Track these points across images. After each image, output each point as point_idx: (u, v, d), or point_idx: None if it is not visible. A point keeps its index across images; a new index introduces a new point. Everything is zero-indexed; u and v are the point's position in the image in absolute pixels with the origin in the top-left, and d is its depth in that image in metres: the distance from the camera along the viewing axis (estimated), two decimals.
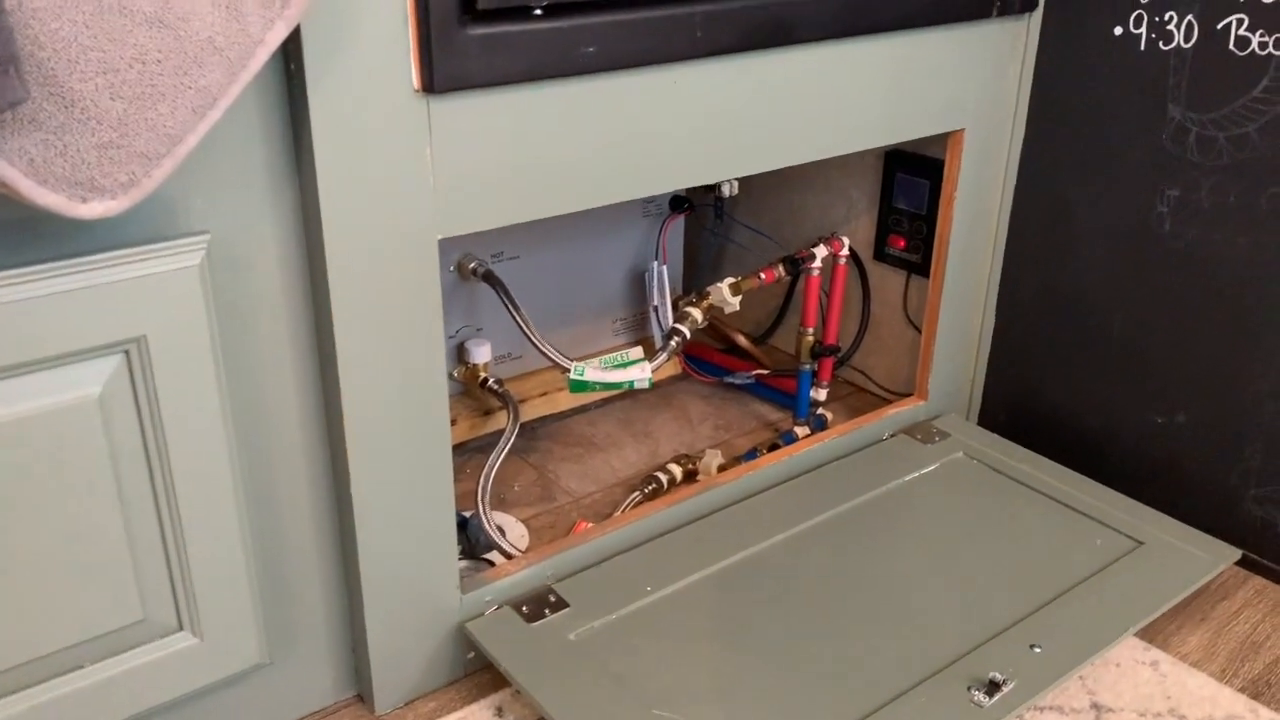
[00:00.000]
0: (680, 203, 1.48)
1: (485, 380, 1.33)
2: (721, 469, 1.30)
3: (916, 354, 1.42)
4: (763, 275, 1.28)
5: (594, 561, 1.09)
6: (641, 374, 1.19)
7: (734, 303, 1.24)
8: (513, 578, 1.03)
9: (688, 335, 1.23)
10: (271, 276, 0.82)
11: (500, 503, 1.30)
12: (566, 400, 1.43)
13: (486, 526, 1.12)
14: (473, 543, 1.18)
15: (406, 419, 0.90)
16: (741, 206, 1.60)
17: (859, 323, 1.49)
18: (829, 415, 1.45)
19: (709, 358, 1.56)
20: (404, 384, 0.89)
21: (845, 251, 1.37)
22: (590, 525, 1.23)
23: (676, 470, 1.32)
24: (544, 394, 1.40)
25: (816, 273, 1.34)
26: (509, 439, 1.23)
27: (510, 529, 1.23)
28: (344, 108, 0.79)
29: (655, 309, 1.46)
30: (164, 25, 0.62)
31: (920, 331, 1.42)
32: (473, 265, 1.30)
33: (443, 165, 0.84)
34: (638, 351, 1.22)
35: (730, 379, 1.50)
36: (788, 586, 1.06)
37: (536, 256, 1.38)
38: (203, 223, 0.77)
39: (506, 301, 1.25)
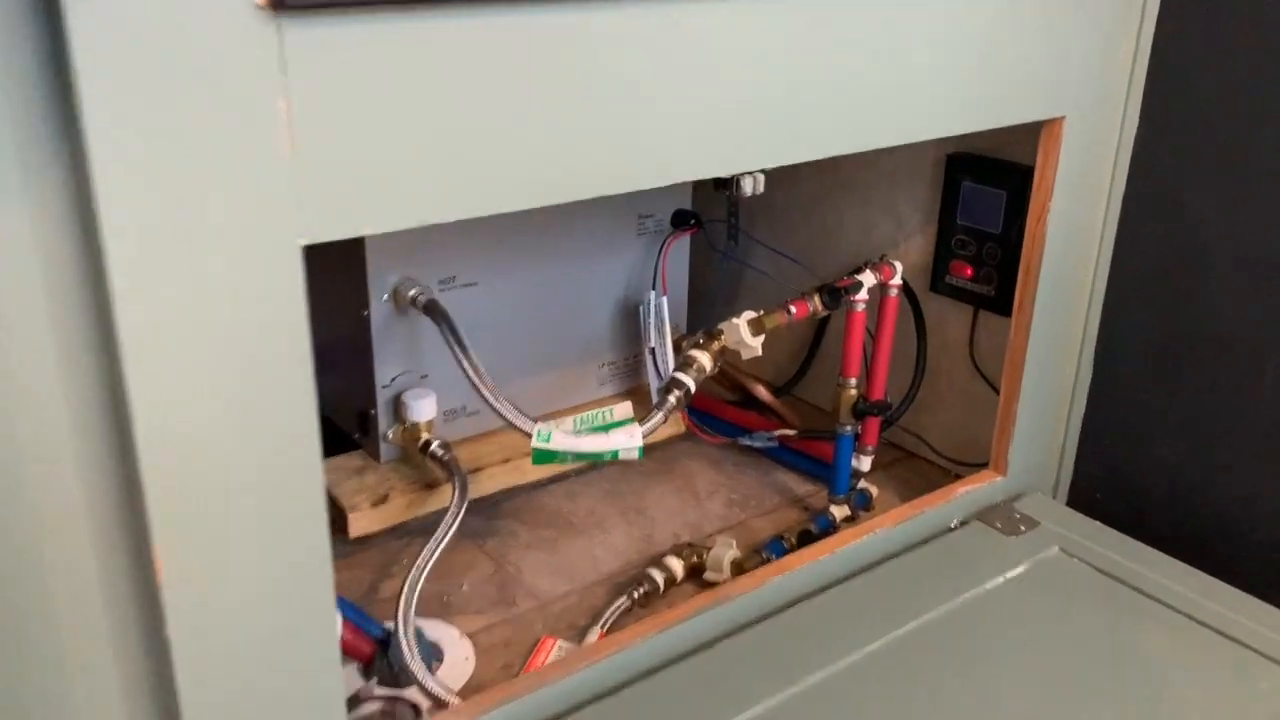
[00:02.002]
0: (685, 218, 1.17)
1: (428, 443, 1.02)
2: (737, 565, 0.99)
3: (984, 411, 1.10)
4: (792, 309, 0.96)
5: (563, 711, 0.77)
6: (629, 440, 0.88)
7: (754, 345, 0.92)
8: None
9: (692, 388, 0.92)
10: (27, 313, 0.51)
11: (443, 607, 0.98)
12: (537, 469, 1.11)
13: (406, 656, 0.81)
14: (395, 670, 0.87)
15: (257, 539, 0.59)
16: (762, 223, 1.29)
17: (912, 371, 1.17)
18: (874, 490, 1.13)
19: (719, 413, 1.24)
20: (252, 480, 0.57)
21: (897, 280, 1.06)
22: (560, 646, 0.92)
23: (677, 566, 1.00)
24: (507, 460, 1.09)
25: (861, 307, 1.02)
26: (451, 525, 0.91)
27: (451, 649, 0.92)
28: (135, 36, 0.48)
29: (652, 351, 1.15)
30: None
31: (990, 383, 1.11)
32: (413, 293, 0.99)
33: (307, 129, 0.54)
34: (625, 409, 0.91)
35: (746, 440, 1.18)
36: None
37: (500, 283, 1.07)
38: None
39: (451, 340, 0.94)
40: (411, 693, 0.83)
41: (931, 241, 1.15)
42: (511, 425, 0.90)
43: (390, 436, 1.05)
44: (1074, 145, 0.93)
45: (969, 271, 1.11)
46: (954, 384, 1.17)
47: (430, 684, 0.79)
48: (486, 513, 1.12)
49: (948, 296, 1.15)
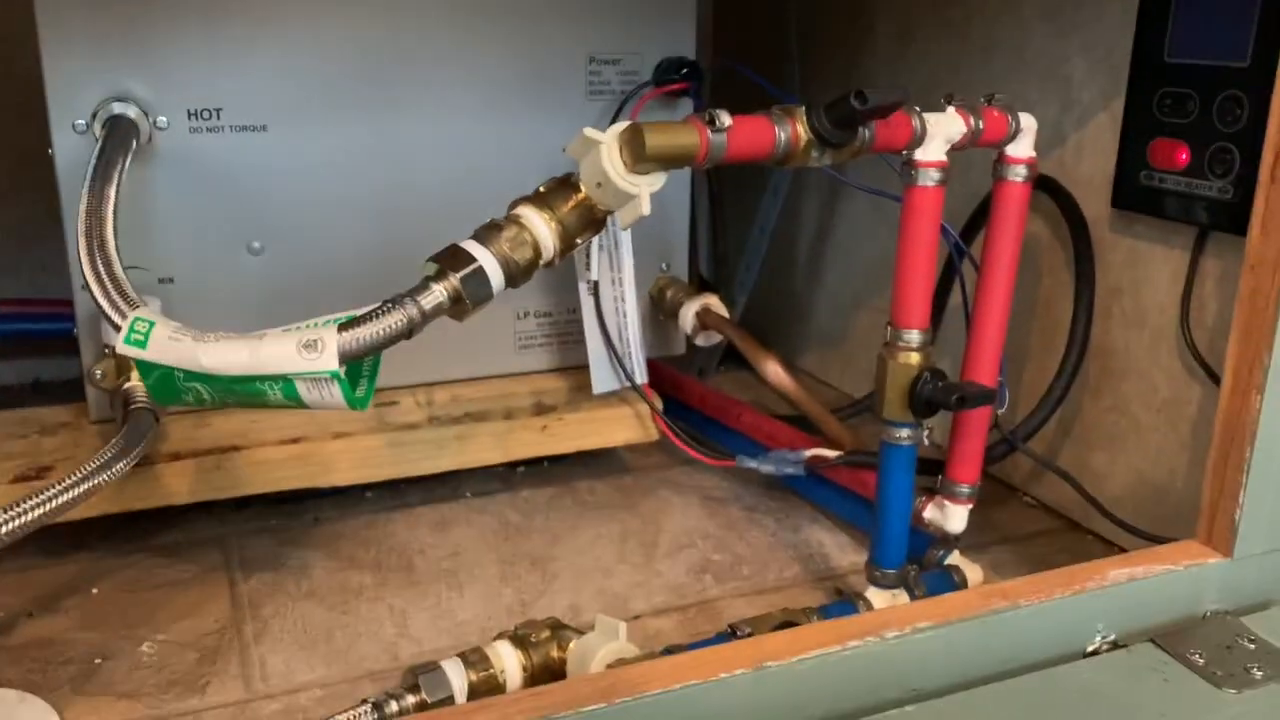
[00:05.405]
0: (674, 67, 0.69)
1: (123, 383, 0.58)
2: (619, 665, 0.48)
3: (1204, 441, 0.54)
4: (724, 121, 0.44)
5: None
6: (304, 359, 0.40)
7: (629, 187, 0.43)
8: None
9: (494, 281, 0.43)
10: None
11: (85, 672, 0.53)
12: (346, 469, 0.65)
13: None
14: None
15: None
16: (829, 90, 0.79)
17: (1063, 350, 0.63)
18: (971, 573, 0.59)
19: (730, 418, 0.74)
20: None
21: (1023, 150, 0.54)
22: None
23: (509, 660, 0.50)
24: (295, 440, 0.63)
25: (934, 181, 0.51)
26: (29, 513, 0.46)
27: None
28: None
29: (594, 288, 0.67)
30: None
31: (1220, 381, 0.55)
32: (114, 113, 0.57)
33: None
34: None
35: (750, 462, 0.66)
36: None
37: (318, 138, 0.63)
38: None
39: (91, 166, 0.50)
40: None
41: (1118, 122, 0.62)
42: (97, 305, 0.45)
43: (99, 375, 0.61)
44: None
45: (1183, 156, 0.57)
46: (1145, 385, 0.62)
47: None
48: (291, 529, 0.67)
49: (1143, 214, 0.61)
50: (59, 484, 0.48)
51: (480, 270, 0.43)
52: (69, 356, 0.88)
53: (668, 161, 0.43)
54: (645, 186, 0.43)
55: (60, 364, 0.89)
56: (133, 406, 0.56)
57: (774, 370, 0.67)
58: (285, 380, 0.41)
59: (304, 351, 0.40)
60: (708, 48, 0.86)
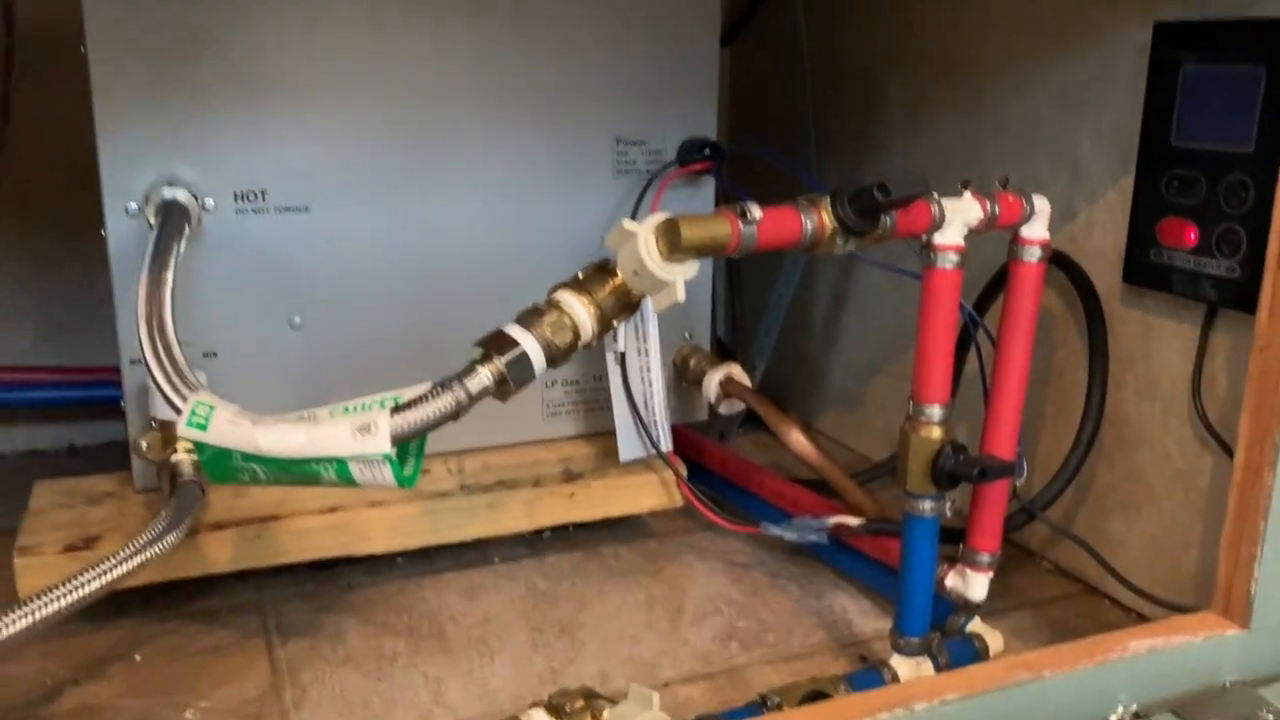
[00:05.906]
0: (697, 147, 0.71)
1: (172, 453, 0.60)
2: None
3: (1217, 508, 0.56)
4: (753, 214, 0.46)
5: None
6: (358, 442, 0.42)
7: (664, 277, 0.45)
8: None
9: (536, 363, 0.46)
10: None
11: None
12: (385, 536, 0.67)
13: None
14: None
15: None
16: (845, 161, 0.81)
17: (1078, 425, 0.65)
18: (992, 640, 0.60)
19: (756, 485, 0.75)
20: None
21: (1038, 232, 0.56)
22: None
23: None
24: (332, 509, 0.65)
25: (951, 264, 0.53)
26: (89, 584, 0.48)
27: None
28: None
29: (621, 360, 0.69)
30: None
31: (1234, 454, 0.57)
32: (165, 198, 0.59)
33: None
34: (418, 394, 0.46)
35: (775, 530, 0.68)
36: None
37: (358, 218, 0.66)
38: None
39: (150, 252, 0.53)
40: None
41: (1128, 199, 0.64)
42: (156, 387, 0.47)
43: (145, 447, 0.63)
44: None
45: (1191, 236, 0.59)
46: (1158, 456, 0.64)
47: None
48: (325, 594, 0.68)
49: (1154, 290, 0.63)
50: (113, 558, 0.50)
51: (524, 355, 0.45)
52: (104, 421, 0.91)
53: (701, 251, 0.45)
54: (680, 275, 0.45)
55: (96, 428, 0.91)
56: (180, 479, 0.58)
57: (797, 439, 0.69)
58: (339, 461, 0.43)
59: (358, 435, 0.42)
60: (724, 122, 0.89)
